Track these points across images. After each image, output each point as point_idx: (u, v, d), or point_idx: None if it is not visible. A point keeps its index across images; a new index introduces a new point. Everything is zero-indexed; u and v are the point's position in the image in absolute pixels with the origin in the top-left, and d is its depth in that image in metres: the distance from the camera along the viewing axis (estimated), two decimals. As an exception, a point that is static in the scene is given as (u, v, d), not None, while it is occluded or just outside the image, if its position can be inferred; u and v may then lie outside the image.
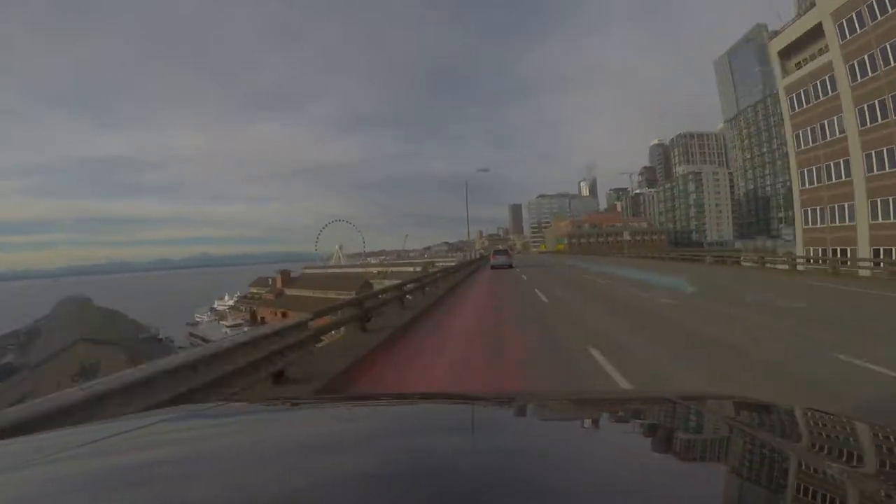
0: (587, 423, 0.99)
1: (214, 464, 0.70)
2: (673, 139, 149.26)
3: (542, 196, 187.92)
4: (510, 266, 27.07)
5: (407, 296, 11.02)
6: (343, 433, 0.88)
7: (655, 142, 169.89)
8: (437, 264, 42.59)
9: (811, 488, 0.61)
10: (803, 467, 0.67)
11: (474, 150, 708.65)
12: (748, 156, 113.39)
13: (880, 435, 0.84)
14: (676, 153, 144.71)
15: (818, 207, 26.15)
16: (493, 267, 27.01)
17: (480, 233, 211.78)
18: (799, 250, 27.04)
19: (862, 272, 16.79)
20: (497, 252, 29.47)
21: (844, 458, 0.75)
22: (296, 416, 1.07)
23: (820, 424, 0.95)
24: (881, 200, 22.04)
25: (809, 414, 0.97)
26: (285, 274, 59.28)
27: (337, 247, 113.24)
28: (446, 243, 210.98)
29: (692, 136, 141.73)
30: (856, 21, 22.42)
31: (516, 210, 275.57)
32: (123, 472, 0.67)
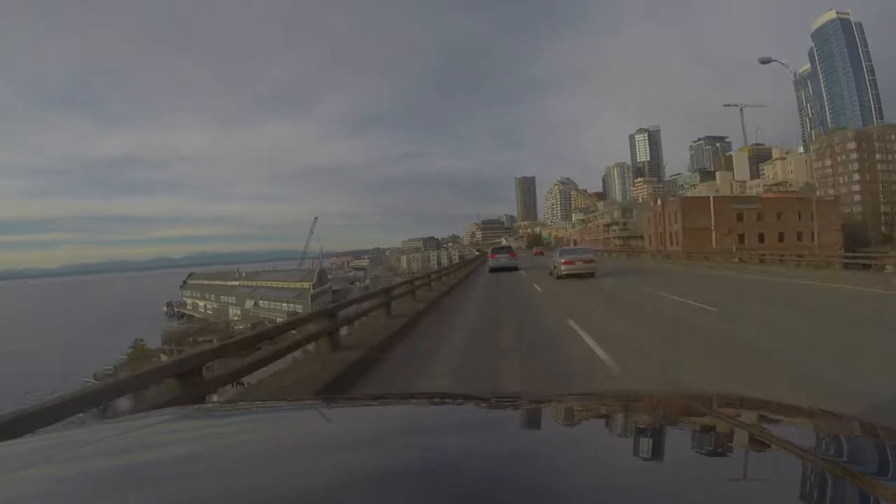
0: (594, 423, 0.99)
1: (216, 464, 0.70)
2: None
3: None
4: (515, 268, 23.41)
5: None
6: (346, 433, 0.89)
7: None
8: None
9: (816, 488, 0.60)
10: (806, 467, 0.66)
11: (475, 147, 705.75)
12: None
13: (884, 434, 0.83)
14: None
15: None
16: (492, 269, 23.61)
17: (475, 224, 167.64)
18: None
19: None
20: (497, 250, 26.50)
21: (850, 459, 0.75)
22: (298, 416, 1.07)
23: (826, 423, 0.94)
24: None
25: (815, 412, 0.96)
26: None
27: None
28: (433, 238, 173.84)
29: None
30: None
31: (527, 185, 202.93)
32: (124, 473, 0.67)
